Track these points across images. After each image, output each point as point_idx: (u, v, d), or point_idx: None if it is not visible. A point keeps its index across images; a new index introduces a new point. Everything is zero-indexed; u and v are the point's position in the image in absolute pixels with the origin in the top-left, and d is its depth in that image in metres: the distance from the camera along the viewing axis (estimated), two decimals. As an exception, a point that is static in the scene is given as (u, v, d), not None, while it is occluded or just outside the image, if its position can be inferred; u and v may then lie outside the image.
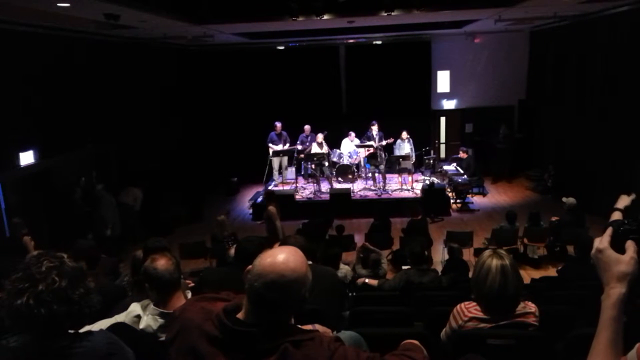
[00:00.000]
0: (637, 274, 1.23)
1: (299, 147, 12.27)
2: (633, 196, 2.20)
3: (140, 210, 9.85)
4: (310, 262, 3.26)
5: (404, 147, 12.32)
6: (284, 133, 12.41)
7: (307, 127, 12.56)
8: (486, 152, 13.39)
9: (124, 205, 9.44)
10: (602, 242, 1.29)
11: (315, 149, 12.15)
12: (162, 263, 2.36)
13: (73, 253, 3.08)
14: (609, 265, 1.26)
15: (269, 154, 12.41)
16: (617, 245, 1.27)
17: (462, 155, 12.56)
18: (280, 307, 1.44)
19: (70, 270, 1.57)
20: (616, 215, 2.07)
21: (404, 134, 12.26)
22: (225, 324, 1.45)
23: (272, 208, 7.97)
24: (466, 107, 14.66)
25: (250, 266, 1.48)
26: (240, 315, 1.47)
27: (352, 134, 12.58)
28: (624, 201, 2.16)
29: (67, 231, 7.82)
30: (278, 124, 12.35)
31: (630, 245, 1.25)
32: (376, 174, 12.04)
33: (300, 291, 1.45)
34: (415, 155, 12.47)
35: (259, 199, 12.04)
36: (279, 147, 12.25)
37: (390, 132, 12.21)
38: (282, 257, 1.45)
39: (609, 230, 1.30)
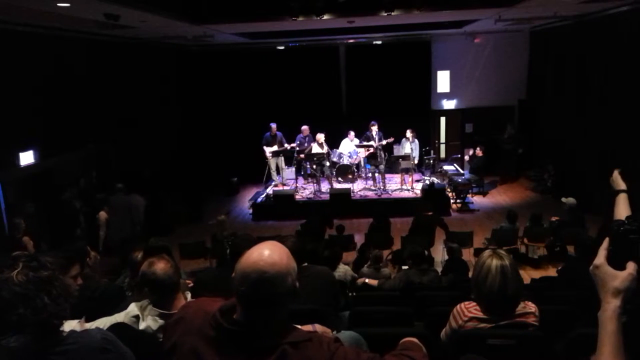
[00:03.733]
0: (632, 290, 1.23)
1: (297, 147, 12.24)
2: (617, 171, 2.19)
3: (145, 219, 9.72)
4: (305, 264, 3.30)
5: (405, 146, 12.31)
6: (279, 134, 12.41)
7: (304, 128, 12.53)
8: (491, 152, 13.24)
9: None
10: (598, 257, 1.31)
11: (316, 149, 12.15)
12: (160, 267, 2.35)
13: (64, 254, 3.08)
14: (605, 281, 1.28)
15: (264, 156, 12.41)
16: (618, 245, 1.27)
17: (478, 152, 12.34)
18: (272, 302, 1.44)
19: (34, 276, 1.55)
20: (622, 199, 2.02)
21: (408, 133, 12.25)
22: (221, 324, 1.45)
23: (102, 214, 7.75)
24: (466, 107, 14.66)
25: (234, 273, 1.48)
26: (236, 316, 1.47)
27: (352, 134, 12.56)
28: (619, 179, 2.15)
29: (66, 231, 7.83)
30: (273, 125, 12.36)
31: (630, 264, 1.26)
32: (376, 174, 12.05)
33: (285, 282, 1.45)
34: (419, 154, 12.45)
35: (259, 199, 12.06)
36: (274, 148, 12.25)
37: (391, 132, 12.19)
38: (260, 255, 1.45)
39: (605, 244, 1.30)
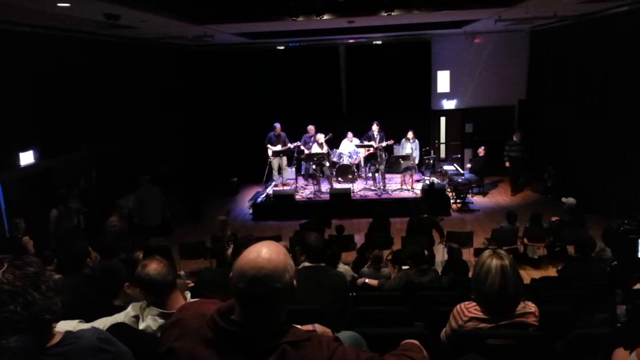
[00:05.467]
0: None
1: (303, 147, 12.24)
2: None
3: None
4: (322, 264, 3.33)
5: (406, 147, 12.31)
6: (283, 134, 12.39)
7: (310, 128, 12.52)
8: (493, 152, 13.04)
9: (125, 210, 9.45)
10: None
11: (315, 149, 12.15)
12: (153, 267, 2.36)
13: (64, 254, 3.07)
14: None
15: (267, 154, 12.40)
16: (616, 244, 1.27)
17: (480, 152, 12.29)
18: (270, 299, 1.45)
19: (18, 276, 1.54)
20: None
21: (410, 134, 12.27)
22: (219, 325, 1.45)
23: (53, 211, 7.73)
24: (466, 107, 14.66)
25: (231, 273, 1.49)
26: (234, 317, 1.47)
27: (350, 134, 12.59)
28: None
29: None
30: (277, 125, 12.33)
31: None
32: (376, 174, 12.05)
33: (283, 278, 1.45)
34: (419, 154, 12.44)
35: (259, 199, 12.06)
36: (277, 148, 12.24)
37: (391, 132, 12.20)
38: (257, 252, 1.47)
39: None
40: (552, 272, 7.24)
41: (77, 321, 2.17)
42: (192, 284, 4.12)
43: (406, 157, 11.74)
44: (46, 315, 1.53)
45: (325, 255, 3.53)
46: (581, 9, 9.38)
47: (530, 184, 13.09)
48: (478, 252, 7.64)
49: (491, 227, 8.64)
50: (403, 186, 11.99)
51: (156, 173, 10.47)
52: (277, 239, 7.92)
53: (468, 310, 2.49)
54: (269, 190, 12.32)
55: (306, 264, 3.31)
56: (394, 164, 12.00)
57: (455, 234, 8.28)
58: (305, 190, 12.26)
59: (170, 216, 9.29)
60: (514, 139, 12.40)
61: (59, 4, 6.14)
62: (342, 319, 3.29)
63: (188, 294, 2.76)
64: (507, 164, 12.43)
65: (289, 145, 12.26)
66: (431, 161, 13.13)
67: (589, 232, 7.59)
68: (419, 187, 11.80)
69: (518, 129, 13.06)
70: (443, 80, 14.59)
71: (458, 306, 2.56)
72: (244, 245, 3.34)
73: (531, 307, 2.50)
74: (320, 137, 12.17)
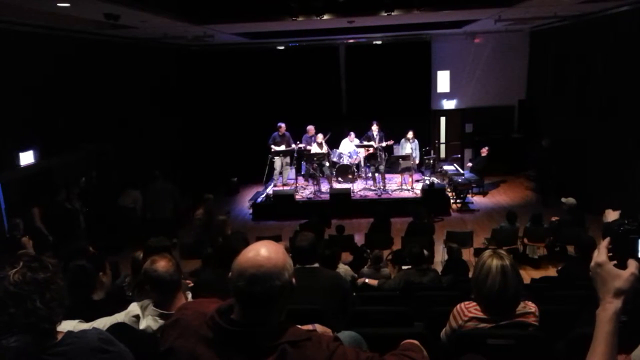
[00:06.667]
0: (633, 291, 1.21)
1: (304, 147, 12.21)
2: (618, 212, 2.18)
3: (142, 212, 9.82)
4: (316, 265, 3.32)
5: (405, 147, 12.30)
6: (287, 134, 12.35)
7: (310, 128, 12.46)
8: (495, 152, 12.86)
9: (123, 208, 9.44)
10: (600, 255, 1.27)
11: (315, 149, 12.14)
12: (162, 264, 2.36)
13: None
14: (606, 280, 1.25)
15: (270, 154, 12.37)
16: (618, 246, 1.26)
17: (483, 152, 12.16)
18: (269, 297, 1.44)
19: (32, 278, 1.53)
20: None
21: (410, 134, 12.26)
22: (219, 324, 1.44)
23: (35, 210, 7.64)
24: (466, 107, 14.66)
25: (230, 272, 1.49)
26: (234, 316, 1.47)
27: (352, 134, 12.57)
28: (611, 216, 2.15)
29: (65, 232, 7.81)
30: (282, 125, 12.25)
31: (632, 263, 1.23)
32: (376, 174, 12.04)
33: (282, 276, 1.45)
34: (419, 154, 12.44)
35: (259, 199, 12.05)
36: (282, 148, 12.19)
37: (391, 132, 12.20)
38: (256, 250, 1.47)
39: (606, 242, 1.28)
40: (552, 272, 7.24)
41: (77, 321, 2.17)
42: (192, 284, 4.12)
43: (406, 157, 11.74)
44: (45, 325, 1.51)
45: (317, 255, 3.50)
46: (581, 9, 9.38)
47: (523, 176, 13.12)
48: (478, 252, 7.63)
49: (491, 227, 8.64)
50: (403, 186, 11.99)
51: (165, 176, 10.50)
52: (277, 239, 7.91)
53: (468, 310, 2.49)
54: (269, 190, 12.31)
55: (297, 266, 3.30)
56: (393, 164, 11.99)
57: (455, 234, 8.29)
58: (305, 190, 12.25)
59: (183, 209, 9.70)
60: (543, 144, 11.71)
61: (59, 4, 6.14)
62: (338, 320, 3.29)
63: (189, 295, 2.76)
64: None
65: (293, 145, 12.23)
66: (431, 161, 13.12)
67: (589, 232, 7.60)
68: (419, 187, 11.80)
69: (546, 139, 11.87)
70: (443, 80, 14.59)
71: (458, 306, 2.56)
72: (234, 243, 3.35)
73: (531, 307, 2.50)
74: (320, 137, 12.16)
